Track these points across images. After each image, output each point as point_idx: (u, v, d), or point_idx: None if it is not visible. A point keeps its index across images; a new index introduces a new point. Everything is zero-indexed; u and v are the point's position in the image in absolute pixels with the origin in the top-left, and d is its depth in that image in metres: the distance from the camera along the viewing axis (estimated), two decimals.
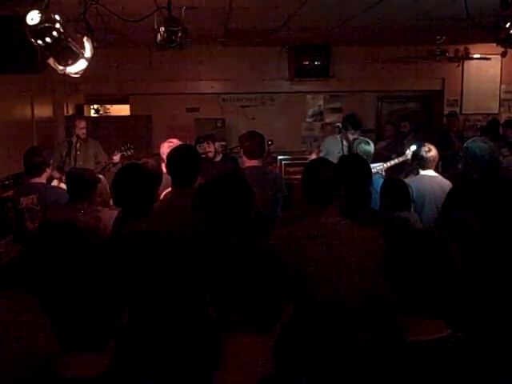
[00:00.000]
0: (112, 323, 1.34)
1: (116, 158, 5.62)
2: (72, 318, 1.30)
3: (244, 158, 4.09)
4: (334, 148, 5.83)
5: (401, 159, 5.09)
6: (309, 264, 2.25)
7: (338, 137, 6.07)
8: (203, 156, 5.22)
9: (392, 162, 5.03)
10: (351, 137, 5.66)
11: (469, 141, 4.09)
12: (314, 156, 5.91)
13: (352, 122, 5.94)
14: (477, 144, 3.85)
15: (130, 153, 5.68)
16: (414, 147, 5.03)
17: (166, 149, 4.39)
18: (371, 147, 4.55)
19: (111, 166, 5.52)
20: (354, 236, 2.31)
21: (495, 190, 2.53)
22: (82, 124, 5.80)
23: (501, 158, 5.36)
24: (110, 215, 3.56)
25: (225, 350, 1.33)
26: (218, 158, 6.21)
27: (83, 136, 5.72)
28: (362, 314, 2.22)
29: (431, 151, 4.15)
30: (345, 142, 5.80)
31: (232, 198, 2.25)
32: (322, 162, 2.64)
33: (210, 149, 6.12)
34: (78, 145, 5.67)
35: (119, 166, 5.38)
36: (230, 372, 1.31)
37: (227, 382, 1.30)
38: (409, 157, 5.04)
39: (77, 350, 1.32)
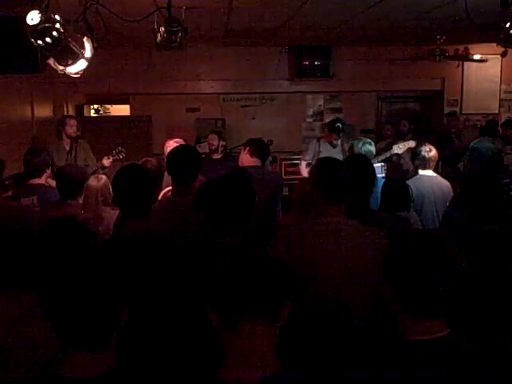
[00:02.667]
0: (110, 323, 1.34)
1: (106, 162, 5.55)
2: (70, 317, 1.30)
3: (246, 156, 4.08)
4: (329, 151, 5.77)
5: (388, 154, 5.12)
6: (316, 262, 2.25)
7: (315, 140, 6.02)
8: (203, 156, 5.22)
9: (380, 158, 5.04)
10: (338, 142, 5.64)
11: (476, 140, 4.08)
12: (304, 163, 5.88)
13: (336, 128, 5.81)
14: (484, 144, 3.85)
15: (121, 156, 5.63)
16: (402, 144, 5.08)
17: (171, 148, 4.39)
18: (373, 148, 4.54)
19: (100, 170, 5.44)
20: (361, 236, 2.31)
21: (489, 191, 2.54)
22: (72, 122, 5.71)
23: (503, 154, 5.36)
24: (112, 215, 3.57)
25: (232, 344, 1.33)
26: (218, 156, 6.22)
27: (73, 135, 5.63)
28: (366, 313, 2.23)
29: (432, 151, 4.14)
30: (326, 144, 5.75)
31: (235, 198, 2.25)
32: (336, 161, 2.63)
33: (214, 141, 6.13)
34: (68, 147, 5.64)
35: (111, 167, 5.38)
36: (238, 368, 1.32)
37: (234, 379, 1.31)
38: (394, 151, 5.08)
39: (77, 350, 1.32)
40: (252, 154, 4.06)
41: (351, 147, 4.69)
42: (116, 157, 5.60)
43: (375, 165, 4.36)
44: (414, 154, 4.26)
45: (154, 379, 1.44)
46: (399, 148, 5.10)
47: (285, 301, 1.37)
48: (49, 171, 4.23)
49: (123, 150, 5.66)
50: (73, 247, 1.91)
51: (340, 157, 5.36)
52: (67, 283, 1.32)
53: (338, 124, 5.77)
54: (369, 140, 4.69)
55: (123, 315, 1.38)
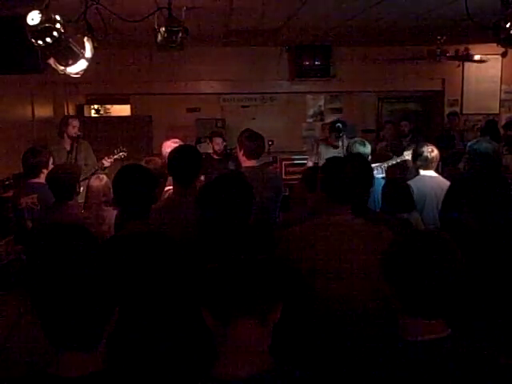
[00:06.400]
0: (100, 323, 1.33)
1: (106, 162, 5.53)
2: (60, 318, 1.29)
3: (243, 158, 4.07)
4: (329, 151, 5.75)
5: (398, 160, 5.10)
6: (322, 260, 2.25)
7: (314, 142, 5.99)
8: (203, 156, 5.22)
9: (390, 163, 5.04)
10: (340, 143, 5.63)
11: (473, 141, 4.08)
12: (310, 163, 5.87)
13: (336, 128, 5.79)
14: (482, 144, 3.86)
15: (123, 156, 5.63)
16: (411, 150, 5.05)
17: (169, 148, 4.39)
18: (366, 148, 4.51)
19: (101, 171, 5.44)
20: (368, 233, 2.31)
21: (494, 190, 2.53)
22: (75, 123, 5.71)
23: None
24: (113, 215, 3.58)
25: (224, 342, 1.35)
26: (219, 156, 6.24)
27: (75, 135, 5.64)
28: (368, 311, 2.22)
29: (434, 151, 4.15)
30: (334, 149, 5.75)
31: (233, 199, 2.26)
32: (343, 160, 2.63)
33: (221, 146, 6.15)
34: (69, 146, 5.65)
35: (112, 167, 5.38)
36: (228, 365, 1.34)
37: (227, 375, 1.32)
38: (406, 157, 5.06)
39: (67, 350, 1.31)
40: (249, 157, 4.04)
41: (347, 148, 4.69)
42: (117, 156, 5.60)
43: (374, 165, 4.35)
44: (416, 154, 4.25)
45: (146, 378, 1.44)
46: (410, 154, 5.06)
47: (275, 302, 1.38)
48: (46, 171, 4.22)
49: (124, 149, 5.67)
50: (68, 249, 1.90)
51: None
52: (57, 283, 1.30)
53: (338, 124, 5.77)
54: (361, 140, 4.68)
55: (113, 316, 1.37)
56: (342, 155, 5.41)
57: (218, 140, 6.21)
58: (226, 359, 1.35)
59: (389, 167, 5.08)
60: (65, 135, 5.68)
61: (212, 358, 1.37)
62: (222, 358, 1.36)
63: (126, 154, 5.64)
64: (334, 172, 2.42)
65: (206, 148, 6.65)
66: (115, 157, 5.59)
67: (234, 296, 1.33)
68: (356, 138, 4.91)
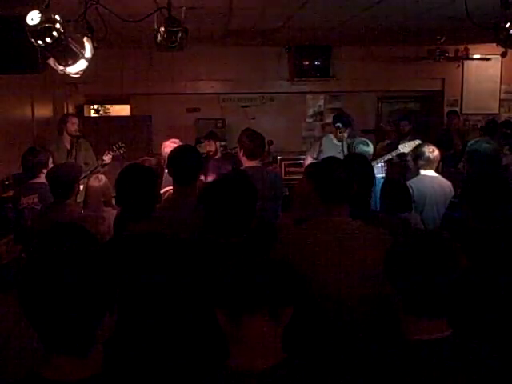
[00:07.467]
0: (91, 327, 1.28)
1: (107, 158, 5.51)
2: (49, 320, 1.24)
3: (243, 158, 4.07)
4: (331, 147, 5.75)
5: (394, 154, 5.11)
6: (321, 262, 2.25)
7: (331, 135, 5.95)
8: (204, 156, 5.22)
9: (386, 158, 5.05)
10: (345, 135, 5.60)
11: (472, 141, 4.09)
12: (309, 160, 5.85)
13: (342, 120, 5.79)
14: (482, 145, 3.86)
15: (122, 152, 5.61)
16: (408, 144, 5.07)
17: (168, 148, 4.40)
18: (369, 148, 4.53)
19: (101, 168, 5.44)
20: (366, 235, 2.31)
21: (495, 190, 2.54)
22: (74, 120, 5.73)
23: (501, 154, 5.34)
24: (113, 215, 3.57)
25: (236, 340, 1.38)
26: (218, 156, 6.23)
27: (75, 133, 5.66)
28: (367, 312, 2.22)
29: (435, 151, 4.16)
30: (339, 142, 5.73)
31: (236, 199, 2.25)
32: (335, 161, 2.63)
33: (210, 148, 6.13)
34: (69, 145, 5.66)
35: (110, 166, 5.38)
36: (242, 360, 1.36)
37: (238, 368, 1.35)
38: (401, 150, 5.07)
39: (59, 353, 1.27)
40: (249, 157, 4.04)
41: (349, 147, 4.69)
42: (116, 152, 5.59)
43: (375, 165, 4.36)
44: (418, 154, 4.25)
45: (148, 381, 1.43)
46: (405, 147, 5.07)
47: (287, 303, 1.40)
48: (47, 171, 4.22)
49: (123, 145, 5.64)
50: (64, 249, 1.87)
51: (341, 155, 5.36)
52: (48, 283, 1.25)
53: (338, 124, 5.76)
54: (364, 140, 4.69)
55: (104, 320, 1.30)
56: (341, 153, 5.42)
57: (208, 143, 6.16)
58: (240, 355, 1.38)
59: (388, 166, 5.09)
60: (64, 133, 5.69)
61: (221, 357, 1.40)
62: (235, 355, 1.38)
63: (124, 150, 5.62)
64: (325, 173, 2.43)
65: (205, 148, 6.64)
66: (114, 153, 5.58)
67: (246, 294, 1.36)
68: (360, 138, 4.91)
